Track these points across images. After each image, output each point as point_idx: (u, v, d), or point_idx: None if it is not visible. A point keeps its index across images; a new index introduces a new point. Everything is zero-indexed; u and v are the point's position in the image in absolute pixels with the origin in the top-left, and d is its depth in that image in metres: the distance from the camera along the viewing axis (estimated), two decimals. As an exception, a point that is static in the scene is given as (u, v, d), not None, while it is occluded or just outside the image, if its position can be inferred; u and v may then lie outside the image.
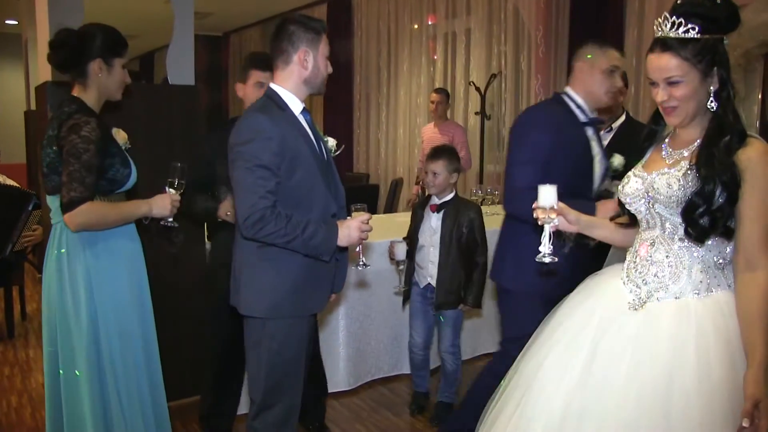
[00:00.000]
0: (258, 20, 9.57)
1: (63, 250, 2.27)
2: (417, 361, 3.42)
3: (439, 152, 3.21)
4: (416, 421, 3.38)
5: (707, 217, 1.66)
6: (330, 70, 2.25)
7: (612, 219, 2.00)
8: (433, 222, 3.19)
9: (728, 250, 1.71)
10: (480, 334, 4.20)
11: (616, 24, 4.61)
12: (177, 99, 3.26)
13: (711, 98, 1.68)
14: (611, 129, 2.89)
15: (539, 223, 1.95)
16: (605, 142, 2.85)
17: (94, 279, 2.28)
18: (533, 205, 1.92)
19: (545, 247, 1.94)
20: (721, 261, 1.72)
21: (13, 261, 4.72)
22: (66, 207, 2.15)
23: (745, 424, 1.51)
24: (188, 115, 3.30)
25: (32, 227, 4.59)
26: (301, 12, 8.49)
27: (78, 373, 2.28)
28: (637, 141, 2.67)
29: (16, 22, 8.34)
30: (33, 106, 4.84)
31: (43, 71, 3.20)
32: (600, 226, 2.02)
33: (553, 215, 1.92)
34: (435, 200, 3.22)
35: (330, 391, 3.37)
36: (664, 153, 1.82)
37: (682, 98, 1.69)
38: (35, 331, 5.00)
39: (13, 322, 4.90)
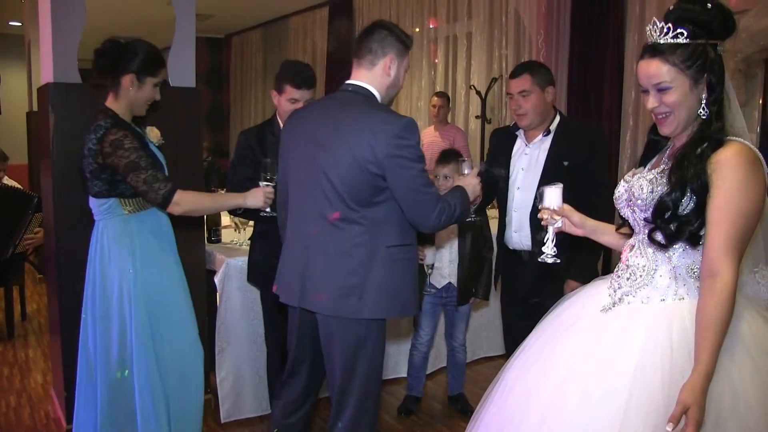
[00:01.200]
0: (259, 23, 9.59)
1: (104, 244, 2.51)
2: (418, 361, 3.52)
3: (448, 156, 3.31)
4: (412, 422, 3.40)
5: (675, 222, 1.64)
6: (401, 85, 2.35)
7: (617, 229, 1.98)
8: None
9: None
10: (479, 336, 4.22)
11: (617, 29, 4.62)
12: (178, 101, 3.25)
13: (702, 105, 1.65)
14: (549, 132, 2.85)
15: (543, 223, 1.98)
16: (546, 146, 2.85)
17: (135, 271, 2.50)
18: (539, 206, 1.96)
19: (548, 248, 1.97)
20: (694, 267, 1.68)
21: (13, 262, 4.74)
22: (164, 203, 2.43)
23: (669, 428, 1.46)
24: (189, 117, 3.31)
25: (34, 230, 4.60)
26: (303, 13, 8.55)
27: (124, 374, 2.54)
28: (585, 142, 2.84)
29: (20, 24, 8.35)
30: (35, 108, 4.85)
31: (45, 72, 3.20)
32: (606, 232, 2.01)
33: (557, 216, 1.95)
34: None
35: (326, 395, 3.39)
36: (662, 160, 1.80)
37: (672, 105, 1.66)
38: (35, 331, 5.01)
39: (13, 323, 4.91)
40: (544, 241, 1.99)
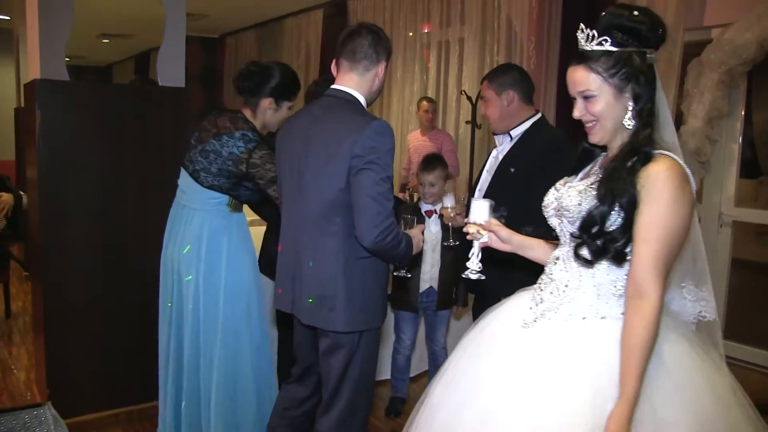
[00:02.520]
0: (254, 23, 9.59)
1: (202, 234, 2.67)
2: (402, 363, 3.55)
3: (432, 162, 3.32)
4: (397, 424, 3.42)
5: (601, 238, 1.58)
6: None
7: (548, 239, 1.89)
8: (432, 227, 3.30)
9: (626, 275, 1.59)
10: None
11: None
12: (167, 101, 3.26)
13: (628, 115, 1.60)
14: (510, 138, 2.83)
15: (468, 238, 1.91)
16: (504, 151, 2.84)
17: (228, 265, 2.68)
18: (465, 220, 1.90)
19: (473, 263, 1.91)
20: (619, 286, 1.61)
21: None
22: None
23: None
24: (178, 118, 3.30)
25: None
26: (298, 15, 8.56)
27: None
28: (537, 149, 2.74)
29: (8, 18, 8.32)
30: (23, 103, 4.84)
31: (32, 68, 3.20)
32: (535, 247, 1.91)
33: (484, 232, 1.88)
34: (428, 206, 3.31)
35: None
36: (592, 171, 1.75)
37: (597, 114, 1.62)
38: (20, 330, 4.99)
39: (-2, 320, 4.90)
40: (469, 256, 1.91)
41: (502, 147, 2.87)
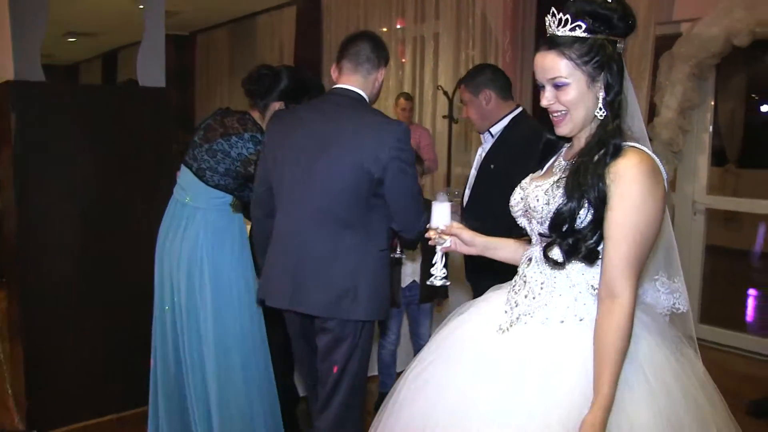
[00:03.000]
0: (226, 21, 9.53)
1: (206, 232, 2.65)
2: (387, 358, 3.56)
3: None
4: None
5: (571, 237, 1.50)
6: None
7: (516, 236, 1.80)
8: None
9: None
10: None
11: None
12: (147, 101, 3.23)
13: (600, 105, 1.53)
14: (491, 135, 2.88)
15: (430, 243, 1.83)
16: (487, 148, 2.90)
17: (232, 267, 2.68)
18: (427, 225, 1.82)
19: (437, 269, 1.83)
20: (595, 285, 1.53)
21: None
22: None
23: None
24: (158, 118, 3.27)
25: None
26: (271, 12, 8.53)
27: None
28: (513, 146, 2.77)
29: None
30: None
31: (4, 70, 3.13)
32: (500, 247, 1.84)
33: (446, 236, 1.81)
34: None
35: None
36: (556, 164, 1.67)
37: (568, 103, 1.54)
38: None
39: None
40: (433, 262, 1.84)
41: (486, 144, 2.92)
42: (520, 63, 5.28)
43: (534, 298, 1.61)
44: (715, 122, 4.57)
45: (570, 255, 1.52)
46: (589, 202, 1.47)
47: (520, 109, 2.89)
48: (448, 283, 1.84)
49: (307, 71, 3.19)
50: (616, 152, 1.48)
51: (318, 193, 2.21)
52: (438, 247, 1.82)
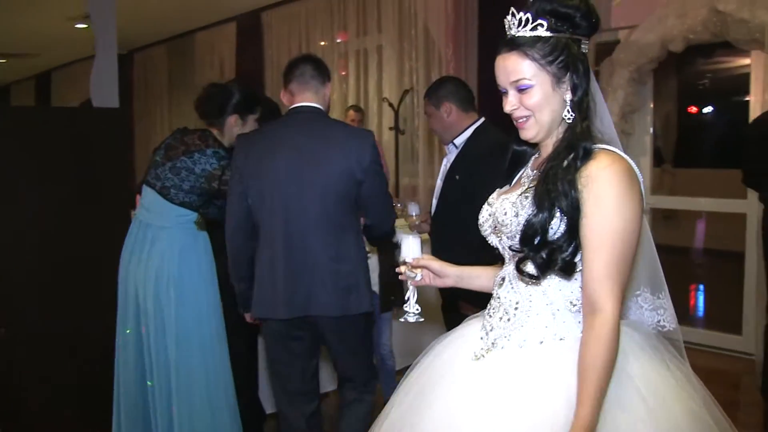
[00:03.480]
0: (164, 38, 9.39)
1: (173, 252, 2.65)
2: (391, 368, 3.62)
3: None
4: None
5: (545, 249, 1.40)
6: None
7: (487, 257, 1.69)
8: None
9: (581, 287, 1.41)
10: (409, 342, 4.32)
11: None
12: (102, 123, 3.15)
13: (567, 107, 1.44)
14: (455, 146, 2.96)
15: (400, 278, 1.74)
16: (451, 159, 2.97)
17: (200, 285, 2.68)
18: (397, 259, 1.73)
19: (410, 306, 1.73)
20: (574, 301, 1.44)
21: None
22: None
23: None
24: (114, 140, 3.18)
25: None
26: (210, 29, 8.45)
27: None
28: (476, 156, 2.81)
29: None
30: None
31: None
32: (475, 275, 1.73)
33: (417, 270, 1.71)
34: None
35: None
36: (524, 175, 1.58)
37: (533, 107, 1.44)
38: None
39: None
40: (406, 298, 1.74)
41: (450, 155, 2.99)
42: (464, 74, 5.37)
43: (509, 320, 1.50)
44: (656, 125, 4.80)
45: (545, 269, 1.42)
46: (561, 211, 1.37)
47: (482, 120, 2.95)
48: (422, 320, 1.73)
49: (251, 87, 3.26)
50: (587, 155, 1.39)
51: (316, 203, 2.37)
52: (409, 282, 1.72)
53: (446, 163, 3.01)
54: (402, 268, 1.72)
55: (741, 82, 4.86)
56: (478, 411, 1.41)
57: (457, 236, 2.62)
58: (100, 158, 3.13)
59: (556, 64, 1.42)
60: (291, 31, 7.38)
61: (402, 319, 1.73)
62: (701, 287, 5.79)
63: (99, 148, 3.13)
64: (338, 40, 6.84)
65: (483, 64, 5.18)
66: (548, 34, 1.42)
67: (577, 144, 1.40)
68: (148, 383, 2.68)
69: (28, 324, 3.08)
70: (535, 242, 1.40)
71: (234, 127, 2.77)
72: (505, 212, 1.47)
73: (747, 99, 4.48)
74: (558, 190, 1.37)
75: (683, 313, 5.26)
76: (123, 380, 2.73)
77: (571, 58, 1.42)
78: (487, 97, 5.06)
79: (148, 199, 2.70)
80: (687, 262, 7.18)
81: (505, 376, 1.44)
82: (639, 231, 1.38)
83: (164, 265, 2.62)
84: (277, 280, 2.39)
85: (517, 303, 1.49)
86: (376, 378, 2.72)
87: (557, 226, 1.39)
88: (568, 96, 1.44)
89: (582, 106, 1.44)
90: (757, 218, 3.65)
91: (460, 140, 2.93)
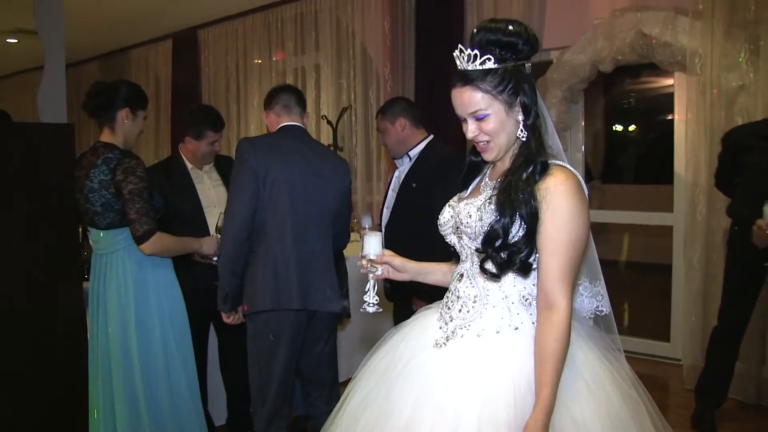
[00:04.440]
0: (97, 54, 9.17)
1: (131, 271, 2.67)
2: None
3: None
4: None
5: (505, 251, 1.58)
6: None
7: (442, 254, 1.88)
8: None
9: (534, 284, 1.61)
10: (355, 355, 4.33)
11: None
12: (50, 139, 3.02)
13: (521, 127, 1.61)
14: (410, 158, 3.18)
15: (362, 272, 1.86)
16: (405, 170, 3.19)
17: (140, 299, 2.69)
18: (359, 254, 1.84)
19: (370, 296, 1.85)
20: (526, 295, 1.62)
21: None
22: (141, 239, 2.59)
23: None
24: (63, 156, 2.99)
25: None
26: (146, 45, 8.31)
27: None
28: (432, 164, 3.06)
29: None
30: None
31: None
32: (431, 271, 1.91)
33: (378, 265, 1.84)
34: None
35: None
36: (482, 184, 1.75)
37: (491, 132, 1.62)
38: None
39: None
40: (366, 290, 1.86)
41: (403, 167, 3.22)
42: (401, 93, 5.46)
43: (468, 311, 1.67)
44: (587, 142, 4.97)
45: (505, 267, 1.60)
46: (522, 218, 1.56)
47: (431, 137, 3.22)
48: (380, 310, 1.86)
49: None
50: (544, 170, 1.58)
51: (318, 211, 2.69)
52: (370, 275, 1.84)
53: (398, 175, 3.22)
54: (363, 262, 1.83)
55: (665, 102, 5.10)
56: (445, 393, 1.57)
57: (413, 244, 2.71)
58: (50, 174, 2.99)
59: (507, 92, 1.59)
60: (228, 48, 7.35)
61: (361, 309, 1.85)
62: (631, 299, 6.01)
63: (48, 164, 2.99)
64: (276, 58, 6.84)
65: (420, 84, 5.27)
66: (496, 66, 1.58)
67: (535, 159, 1.59)
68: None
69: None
70: (497, 244, 1.59)
71: (125, 120, 2.74)
72: (469, 215, 1.65)
73: (670, 118, 4.70)
74: (519, 200, 1.56)
75: (619, 323, 5.44)
76: (102, 401, 2.74)
77: (519, 83, 1.60)
78: (422, 110, 5.19)
79: (92, 234, 2.75)
80: (617, 274, 7.42)
81: (465, 362, 1.61)
82: (587, 237, 1.59)
83: (121, 286, 2.68)
84: (283, 278, 2.61)
85: (475, 296, 1.67)
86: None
87: (516, 231, 1.57)
88: (521, 117, 1.62)
89: (535, 125, 1.62)
90: (723, 230, 3.77)
91: (414, 152, 3.17)
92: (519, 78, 1.60)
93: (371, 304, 1.84)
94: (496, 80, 1.58)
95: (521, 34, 1.58)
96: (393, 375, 1.71)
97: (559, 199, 1.54)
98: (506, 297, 1.64)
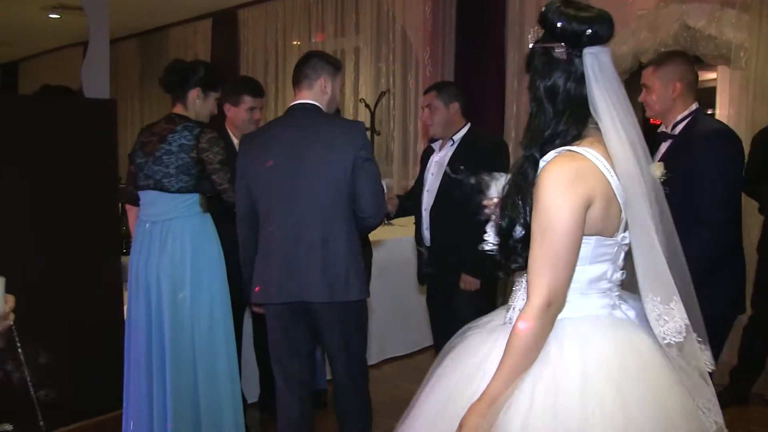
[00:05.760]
0: (136, 32, 9.29)
1: (185, 241, 2.76)
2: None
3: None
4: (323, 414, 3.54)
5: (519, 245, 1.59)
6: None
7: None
8: None
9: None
10: (385, 337, 4.41)
11: (498, 48, 5.00)
12: (94, 114, 3.16)
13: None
14: (453, 142, 3.25)
15: (486, 211, 1.82)
16: (449, 153, 3.25)
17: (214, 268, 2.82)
18: (489, 195, 1.81)
19: (491, 237, 1.81)
20: (580, 283, 1.57)
21: None
22: (233, 205, 2.67)
23: None
24: (104, 130, 3.20)
25: None
26: (184, 24, 8.41)
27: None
28: (479, 149, 3.11)
29: None
30: None
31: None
32: None
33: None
34: None
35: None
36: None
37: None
38: None
39: None
40: (486, 230, 1.84)
41: (444, 152, 3.29)
42: (440, 77, 5.49)
43: (516, 298, 1.70)
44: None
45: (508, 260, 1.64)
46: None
47: (470, 124, 3.31)
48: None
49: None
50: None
51: (315, 193, 2.49)
52: (493, 216, 1.80)
53: (439, 159, 3.29)
54: (488, 203, 1.79)
55: (707, 96, 5.06)
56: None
57: (459, 221, 2.81)
58: (93, 147, 3.14)
59: None
60: (267, 29, 7.41)
61: (480, 248, 1.82)
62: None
63: (90, 138, 3.14)
64: (315, 40, 6.89)
65: (459, 70, 5.29)
66: None
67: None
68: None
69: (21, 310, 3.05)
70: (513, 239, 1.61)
71: (196, 100, 2.88)
72: None
73: (711, 112, 4.67)
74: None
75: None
76: (133, 359, 2.84)
77: None
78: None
79: (148, 198, 2.83)
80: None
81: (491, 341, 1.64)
82: (571, 230, 1.46)
83: (178, 250, 2.75)
84: (274, 268, 2.53)
85: (521, 285, 1.68)
86: (363, 375, 2.70)
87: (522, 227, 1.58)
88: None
89: None
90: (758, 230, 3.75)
91: (457, 137, 3.25)
92: None
93: (491, 243, 1.80)
94: None
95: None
96: (463, 357, 1.71)
97: (541, 188, 1.50)
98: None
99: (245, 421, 3.27)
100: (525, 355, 1.46)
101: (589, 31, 1.57)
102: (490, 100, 5.05)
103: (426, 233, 3.30)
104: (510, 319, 1.67)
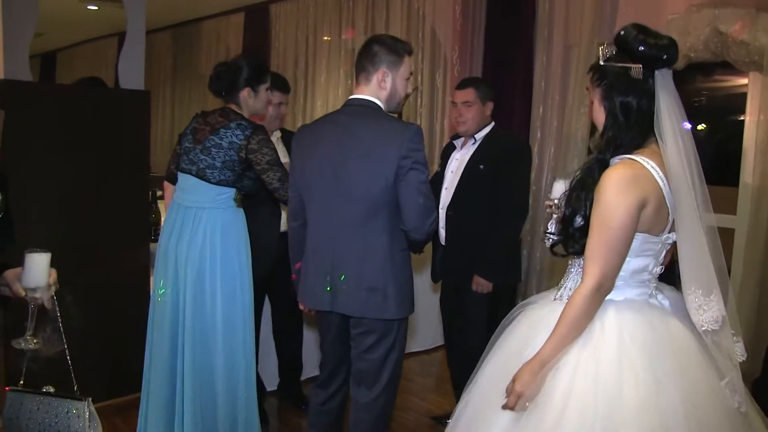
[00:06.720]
0: (169, 24, 9.42)
1: (215, 232, 2.79)
2: None
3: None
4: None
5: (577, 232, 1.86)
6: (409, 90, 2.48)
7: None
8: None
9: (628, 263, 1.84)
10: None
11: (527, 49, 5.00)
12: (129, 104, 3.26)
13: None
14: (475, 140, 3.25)
15: (548, 212, 2.07)
16: (471, 152, 3.25)
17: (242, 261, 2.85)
18: (551, 197, 2.06)
19: (553, 231, 2.05)
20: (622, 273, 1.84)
21: None
22: (287, 202, 2.68)
23: (505, 397, 1.75)
24: (138, 121, 3.30)
25: None
26: (217, 18, 8.51)
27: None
28: (500, 149, 3.15)
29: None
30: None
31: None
32: None
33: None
34: None
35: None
36: None
37: None
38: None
39: None
40: (549, 225, 2.06)
41: (465, 150, 3.29)
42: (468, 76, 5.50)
43: (568, 279, 1.98)
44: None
45: (566, 245, 1.92)
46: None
47: (494, 123, 3.33)
48: (555, 240, 2.03)
49: None
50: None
51: (352, 201, 2.36)
52: (554, 216, 2.03)
53: (459, 157, 3.30)
54: (549, 203, 2.04)
55: (737, 102, 5.00)
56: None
57: (476, 219, 3.08)
58: (127, 136, 3.24)
59: None
60: (299, 25, 7.47)
61: (543, 240, 2.06)
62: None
63: (127, 128, 3.24)
64: (345, 37, 6.94)
65: (487, 71, 5.30)
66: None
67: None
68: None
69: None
70: (572, 227, 1.91)
71: (248, 99, 2.93)
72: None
73: (742, 118, 4.62)
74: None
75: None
76: (157, 348, 2.87)
77: None
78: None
79: (186, 183, 2.87)
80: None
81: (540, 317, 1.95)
82: (625, 225, 1.73)
83: (207, 240, 2.78)
84: (310, 274, 2.49)
85: (573, 268, 1.96)
86: (388, 404, 2.55)
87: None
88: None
89: None
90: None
91: (479, 135, 3.26)
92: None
93: (551, 238, 2.03)
94: None
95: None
96: (513, 333, 2.00)
97: (601, 188, 1.78)
98: (581, 269, 1.88)
99: (264, 407, 3.34)
100: (574, 327, 1.73)
101: (665, 56, 1.83)
102: (518, 99, 5.05)
103: (441, 232, 3.28)
104: (561, 296, 1.94)
